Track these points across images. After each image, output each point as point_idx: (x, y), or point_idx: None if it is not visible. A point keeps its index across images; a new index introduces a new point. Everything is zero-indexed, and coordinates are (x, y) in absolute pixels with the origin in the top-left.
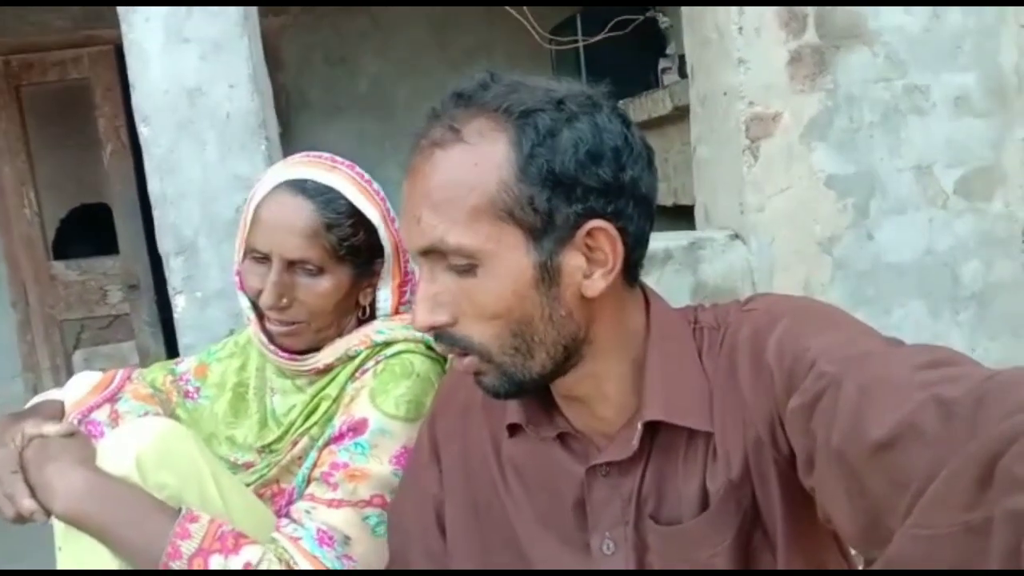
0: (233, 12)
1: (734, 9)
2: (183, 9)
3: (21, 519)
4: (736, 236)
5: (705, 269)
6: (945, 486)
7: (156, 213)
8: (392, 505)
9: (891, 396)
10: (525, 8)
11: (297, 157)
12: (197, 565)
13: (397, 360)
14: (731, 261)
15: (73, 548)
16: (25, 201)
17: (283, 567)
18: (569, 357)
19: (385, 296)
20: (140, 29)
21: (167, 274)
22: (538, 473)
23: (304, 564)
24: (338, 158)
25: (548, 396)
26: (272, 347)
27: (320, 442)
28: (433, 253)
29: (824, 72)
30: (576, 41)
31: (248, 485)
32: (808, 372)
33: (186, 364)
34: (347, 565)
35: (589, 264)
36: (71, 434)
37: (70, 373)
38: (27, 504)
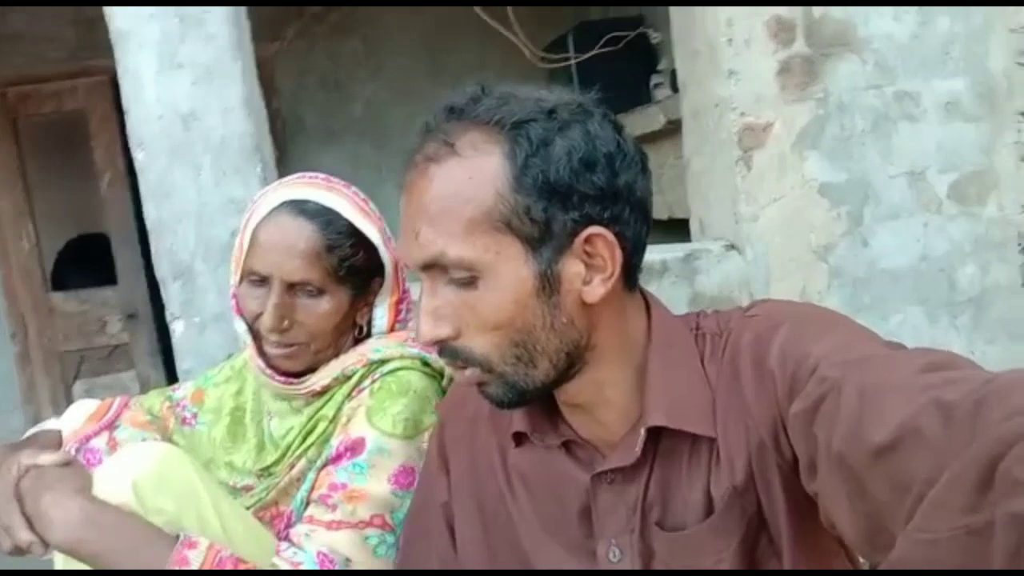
0: (226, 37)
1: (723, 21)
2: (176, 34)
3: (19, 551)
4: (731, 246)
5: (702, 280)
6: (946, 489)
7: (152, 238)
8: (408, 515)
9: (892, 400)
10: (517, 28)
11: (293, 178)
12: None
13: (393, 378)
14: (727, 271)
15: None
16: (23, 233)
17: None
18: (572, 364)
19: (381, 314)
20: (134, 55)
21: (164, 299)
22: (544, 481)
23: None
24: (334, 178)
25: (553, 404)
26: (269, 371)
27: (318, 463)
28: (433, 267)
29: (814, 81)
30: (568, 59)
31: (247, 508)
32: (810, 377)
33: (183, 390)
34: None
35: (588, 270)
36: (67, 463)
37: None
38: (24, 536)
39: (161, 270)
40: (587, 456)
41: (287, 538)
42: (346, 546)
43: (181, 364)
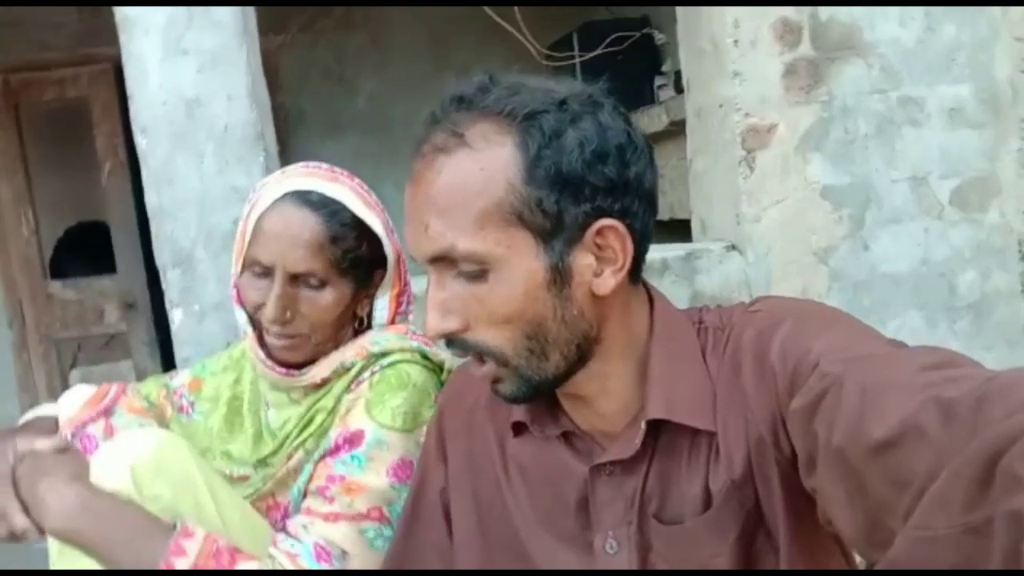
0: (232, 24)
1: (729, 22)
2: (182, 20)
3: (14, 537)
4: (733, 247)
5: (702, 280)
6: (946, 487)
7: (153, 225)
8: (405, 502)
9: (893, 397)
10: (522, 25)
11: (296, 167)
12: None
13: (393, 371)
14: (728, 272)
15: (67, 563)
16: (22, 220)
17: None
18: (582, 357)
19: (382, 306)
20: (139, 41)
21: (164, 287)
22: (542, 472)
23: None
24: (336, 168)
25: (552, 395)
26: (269, 363)
27: (316, 455)
28: (442, 260)
29: (819, 84)
30: (573, 58)
31: (244, 498)
32: (811, 373)
33: (180, 378)
34: None
35: (599, 263)
36: (63, 449)
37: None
38: (20, 521)
39: (161, 257)
40: (586, 447)
41: (284, 529)
42: (343, 538)
43: (180, 352)
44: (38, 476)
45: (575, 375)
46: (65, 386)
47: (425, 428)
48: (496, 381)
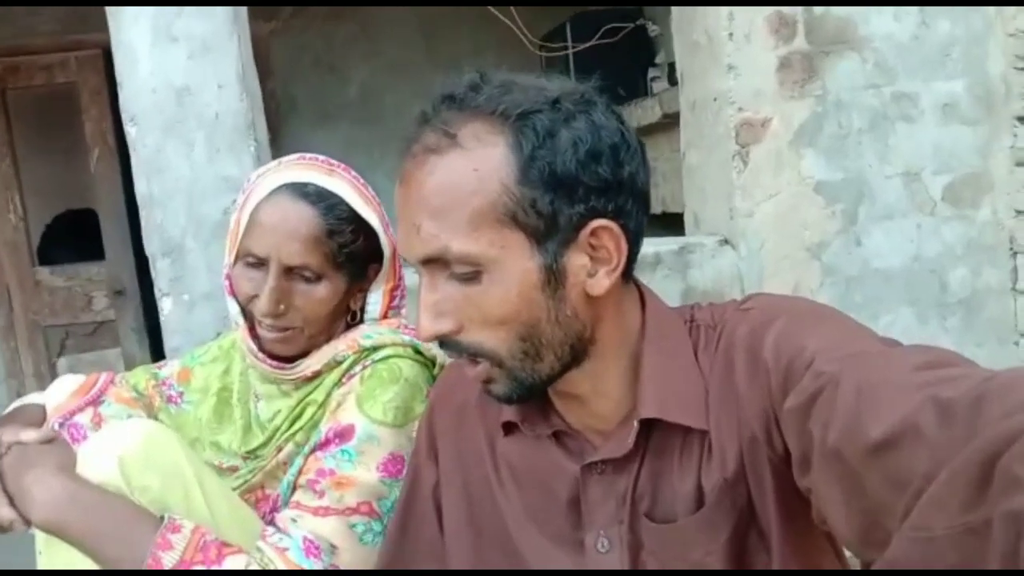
0: (222, 12)
1: (724, 15)
2: (172, 8)
3: (0, 528)
4: (725, 241)
5: (695, 274)
6: (944, 487)
7: (143, 214)
8: (397, 500)
9: (889, 396)
10: (515, 15)
11: (293, 158)
12: None
13: (385, 365)
14: (720, 266)
15: (53, 555)
16: (10, 206)
17: None
18: (575, 357)
19: (375, 300)
20: (128, 28)
21: (153, 276)
22: (533, 471)
23: None
24: (333, 161)
25: (543, 394)
26: (260, 355)
27: (306, 448)
28: (435, 262)
29: (813, 78)
30: (566, 48)
31: (233, 490)
32: (805, 371)
33: (169, 368)
34: None
35: (593, 263)
36: (50, 440)
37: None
38: (5, 513)
39: (151, 246)
40: (577, 446)
41: (273, 522)
42: (332, 533)
43: (169, 342)
44: (24, 468)
45: (568, 374)
46: (53, 373)
47: (416, 423)
48: (488, 382)
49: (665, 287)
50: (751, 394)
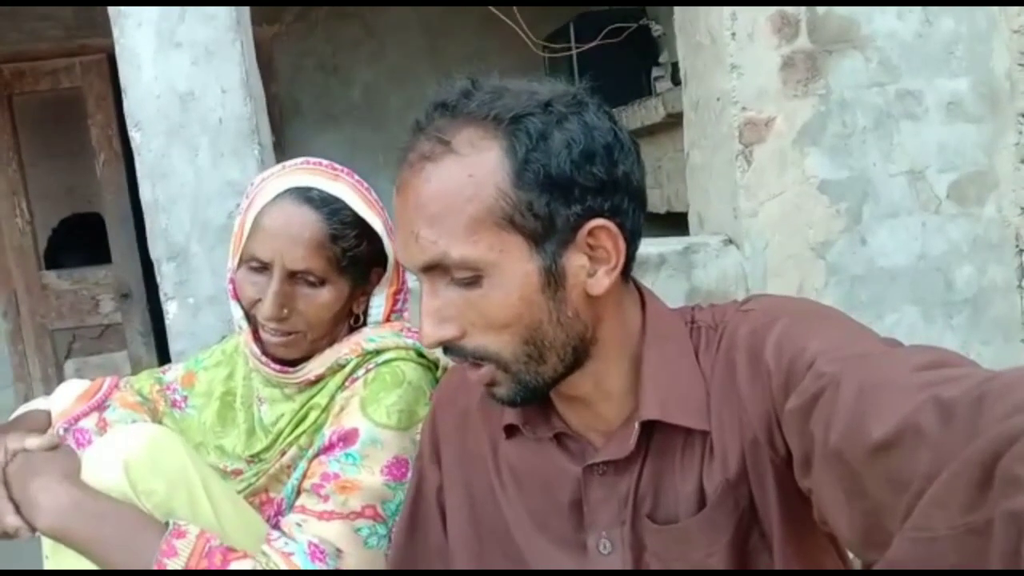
0: (225, 17)
1: (727, 14)
2: (175, 13)
3: (6, 535)
4: (730, 241)
5: (699, 274)
6: (945, 488)
7: (147, 219)
8: (403, 505)
9: (891, 397)
10: (518, 16)
11: (296, 163)
12: None
13: (388, 368)
14: (725, 266)
15: (60, 559)
16: (17, 210)
17: None
18: (577, 359)
19: (378, 303)
20: (132, 34)
21: (158, 280)
22: (535, 473)
23: None
24: (337, 165)
25: (546, 396)
26: (264, 359)
27: (309, 452)
28: (435, 268)
29: (817, 77)
30: (569, 49)
31: (237, 493)
32: (806, 372)
33: (173, 373)
34: None
35: (592, 263)
36: (54, 447)
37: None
38: (11, 521)
39: (156, 251)
40: (579, 448)
41: (278, 527)
42: (337, 537)
43: (174, 345)
44: (29, 475)
45: (571, 376)
46: (60, 377)
47: (420, 426)
48: (492, 385)
49: (669, 287)
50: (752, 395)
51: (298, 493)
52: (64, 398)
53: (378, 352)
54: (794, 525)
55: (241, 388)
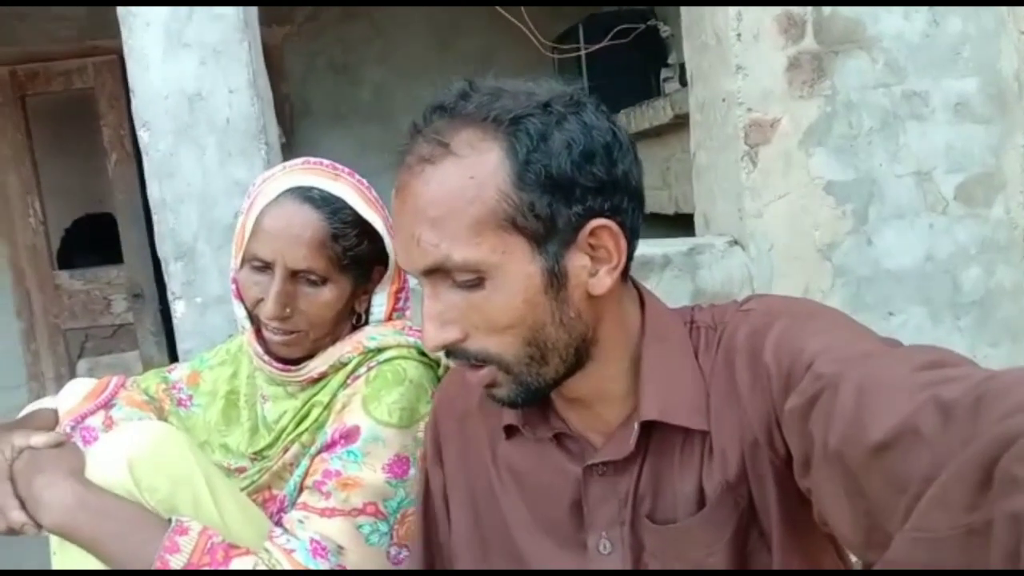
0: (233, 17)
1: (732, 15)
2: (184, 14)
3: (12, 531)
4: (735, 242)
5: (704, 275)
6: (945, 488)
7: (155, 218)
8: (416, 507)
9: (890, 397)
10: (527, 17)
11: (297, 163)
12: None
13: (389, 366)
14: (730, 267)
15: (67, 555)
16: (30, 210)
17: None
18: (579, 359)
19: (380, 302)
20: (140, 34)
21: (166, 279)
22: (534, 474)
23: None
24: (338, 165)
25: (546, 397)
26: (267, 358)
27: (312, 449)
28: (437, 272)
29: (823, 78)
30: (578, 50)
31: (241, 490)
32: (805, 373)
33: (179, 372)
34: None
35: (593, 263)
36: (60, 444)
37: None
38: (17, 517)
39: (163, 250)
40: (578, 448)
41: (280, 523)
42: (339, 534)
43: (182, 345)
44: (35, 472)
45: (571, 377)
46: (73, 376)
47: (422, 424)
48: (492, 386)
49: (674, 288)
50: (752, 396)
51: (300, 490)
52: (71, 396)
53: (380, 350)
54: (794, 525)
55: (245, 387)
